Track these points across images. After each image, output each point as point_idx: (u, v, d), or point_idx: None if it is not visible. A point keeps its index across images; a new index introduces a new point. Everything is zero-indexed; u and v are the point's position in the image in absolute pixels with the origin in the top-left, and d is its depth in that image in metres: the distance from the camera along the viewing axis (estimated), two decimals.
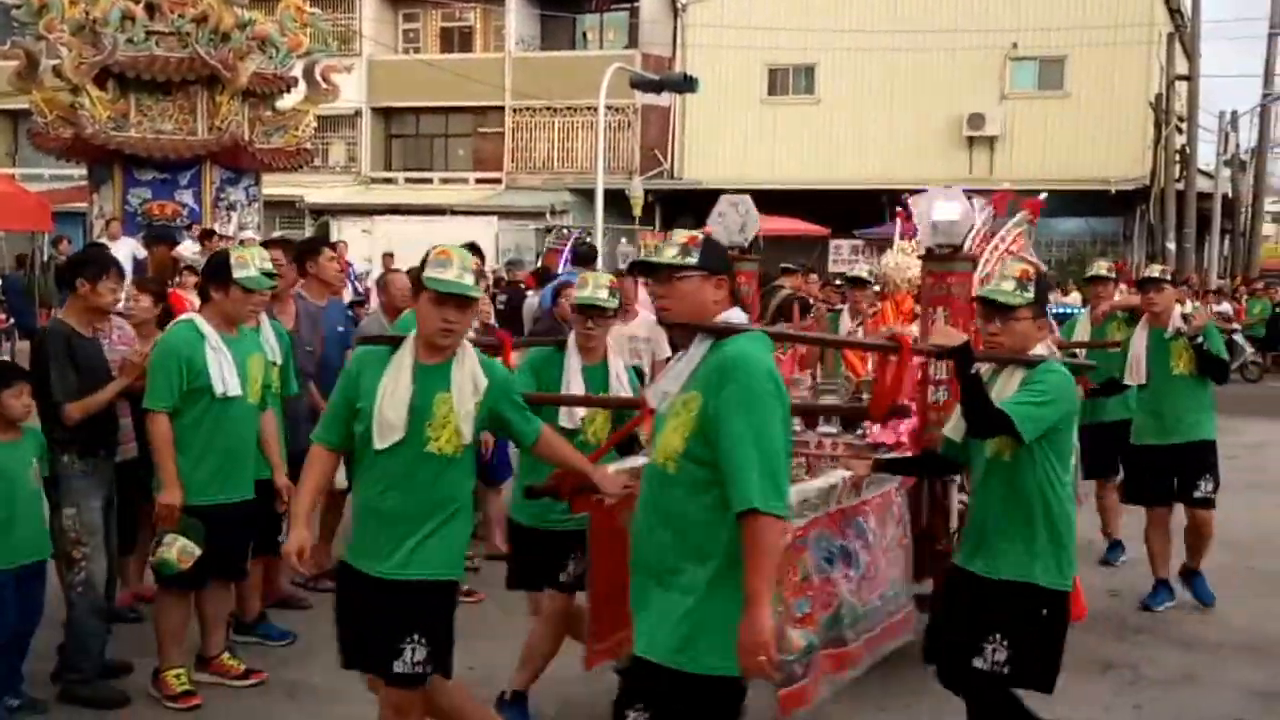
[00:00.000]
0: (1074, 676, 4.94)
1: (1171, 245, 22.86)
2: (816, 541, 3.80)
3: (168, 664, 4.50)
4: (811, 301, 10.01)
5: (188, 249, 11.50)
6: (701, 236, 2.96)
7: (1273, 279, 24.09)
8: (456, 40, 28.64)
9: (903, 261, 6.31)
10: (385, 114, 28.28)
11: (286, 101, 13.97)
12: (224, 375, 4.34)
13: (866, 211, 21.98)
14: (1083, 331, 6.79)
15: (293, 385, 5.22)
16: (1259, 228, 27.80)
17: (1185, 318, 6.00)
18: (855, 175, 23.78)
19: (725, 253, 3.09)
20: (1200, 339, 5.86)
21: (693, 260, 2.90)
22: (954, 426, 3.68)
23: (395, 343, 3.47)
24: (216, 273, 4.46)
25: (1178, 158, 23.60)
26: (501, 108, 27.06)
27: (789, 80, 25.76)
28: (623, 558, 3.09)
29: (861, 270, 7.95)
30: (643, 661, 2.84)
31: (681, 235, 2.96)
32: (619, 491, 3.65)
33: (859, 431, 4.75)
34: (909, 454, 4.50)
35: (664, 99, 25.08)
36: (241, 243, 8.43)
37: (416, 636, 3.31)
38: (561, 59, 27.03)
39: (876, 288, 7.27)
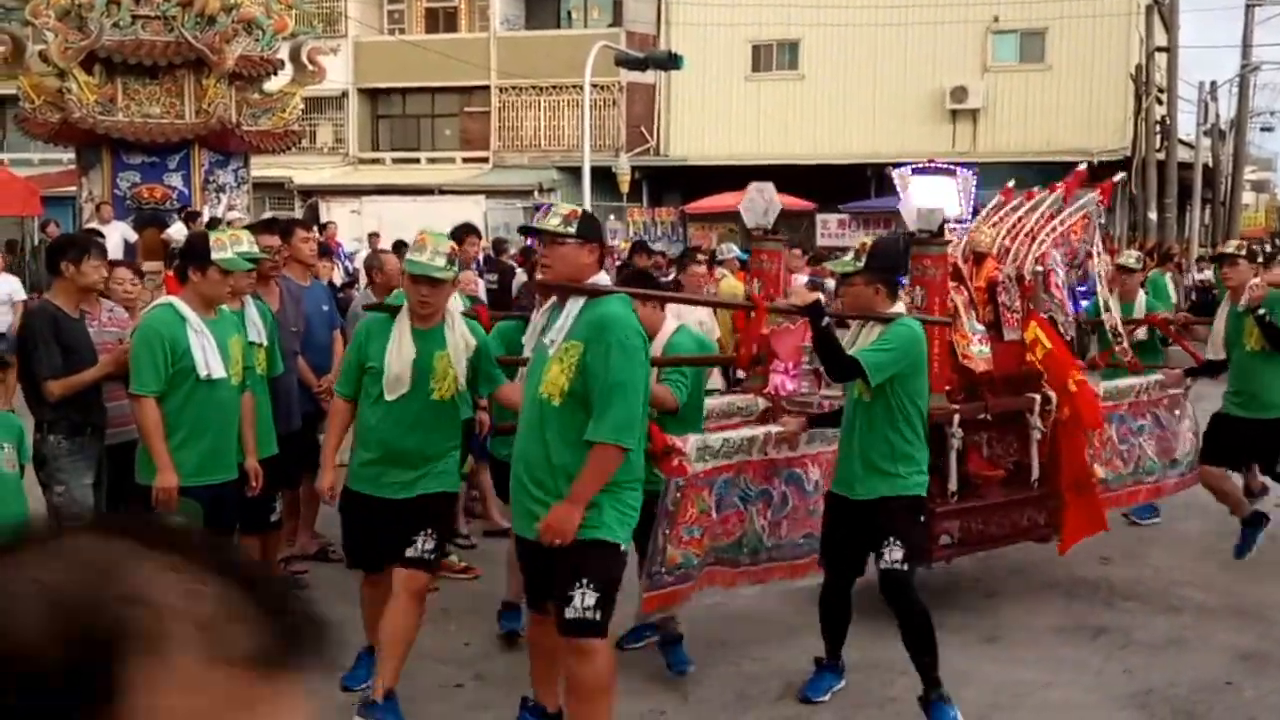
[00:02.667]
0: (1065, 642, 5.19)
1: (1153, 215, 23.06)
2: (726, 483, 4.59)
3: None
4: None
5: (178, 232, 11.61)
6: (580, 210, 3.71)
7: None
8: (441, 20, 28.61)
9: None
10: (372, 95, 28.29)
11: (273, 84, 13.99)
12: (207, 357, 4.34)
13: (852, 185, 22.14)
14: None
15: (279, 365, 5.26)
16: (1239, 197, 28.05)
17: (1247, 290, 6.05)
18: (840, 150, 23.91)
19: (599, 225, 3.90)
20: (1263, 311, 5.90)
21: (572, 230, 3.60)
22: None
23: (393, 311, 4.23)
24: (195, 255, 4.46)
25: (1158, 128, 23.75)
26: (487, 87, 27.10)
27: (773, 56, 25.84)
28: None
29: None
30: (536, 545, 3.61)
31: (564, 208, 3.73)
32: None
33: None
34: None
35: (649, 76, 25.15)
36: (229, 224, 8.57)
37: (429, 530, 4.10)
38: (546, 38, 27.05)
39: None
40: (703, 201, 23.51)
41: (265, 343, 5.07)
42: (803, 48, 25.32)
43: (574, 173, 22.68)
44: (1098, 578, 6.08)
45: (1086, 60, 23.53)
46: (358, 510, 4.24)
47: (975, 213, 21.94)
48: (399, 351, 4.08)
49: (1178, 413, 6.47)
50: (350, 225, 20.94)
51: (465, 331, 4.20)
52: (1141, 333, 7.20)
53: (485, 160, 27.18)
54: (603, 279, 3.75)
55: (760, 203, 5.59)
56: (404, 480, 4.13)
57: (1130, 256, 7.57)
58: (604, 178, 22.61)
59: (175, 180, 13.25)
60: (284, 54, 14.01)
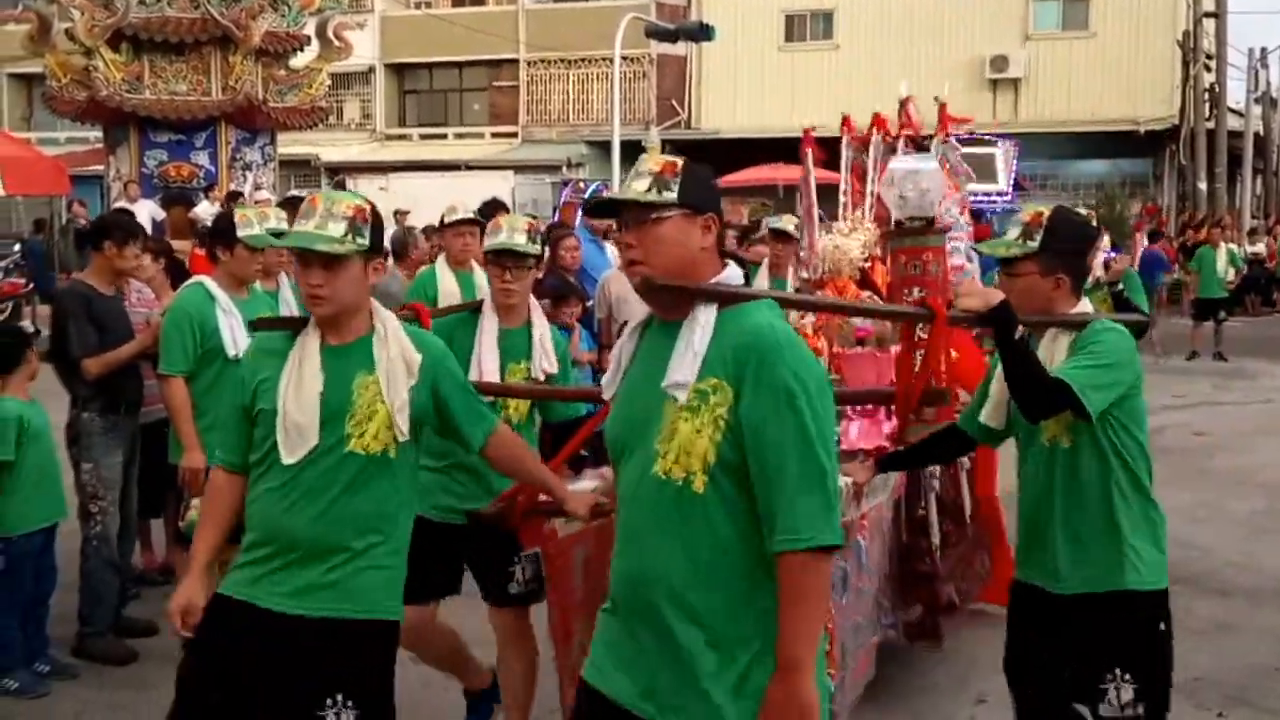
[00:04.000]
0: None
1: (1203, 185, 22.52)
2: None
3: None
4: None
5: (205, 210, 11.43)
6: (681, 162, 2.18)
7: None
8: None
9: (842, 243, 5.13)
10: (399, 70, 28.05)
11: (300, 60, 13.89)
12: (235, 337, 4.28)
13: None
14: None
15: None
16: None
17: (1106, 265, 5.55)
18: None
19: (713, 184, 2.28)
20: (1120, 286, 5.31)
21: (672, 195, 2.13)
22: (991, 411, 3.04)
23: (297, 326, 2.73)
24: (222, 233, 4.44)
25: (1207, 96, 23.16)
26: (516, 60, 26.78)
27: (806, 26, 25.36)
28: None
29: (784, 223, 6.34)
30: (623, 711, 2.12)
31: (654, 161, 2.17)
32: (586, 515, 2.98)
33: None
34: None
35: (680, 48, 24.74)
36: (257, 203, 8.35)
37: (341, 699, 2.56)
38: (575, 10, 26.67)
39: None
40: (735, 175, 23.10)
41: None
42: (837, 17, 24.84)
43: (604, 147, 22.35)
44: None
45: (1132, 27, 22.89)
46: (236, 631, 2.63)
47: (1017, 186, 21.12)
48: (298, 384, 2.61)
49: None
50: (377, 202, 20.64)
51: (405, 344, 2.69)
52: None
53: (514, 135, 26.89)
54: (733, 276, 2.21)
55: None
56: (295, 584, 2.61)
57: (789, 222, 6.03)
58: (634, 152, 22.21)
59: (202, 158, 13.14)
60: (310, 29, 13.91)
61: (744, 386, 2.04)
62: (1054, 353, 2.93)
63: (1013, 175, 17.97)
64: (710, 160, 4.12)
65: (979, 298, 2.95)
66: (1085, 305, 3.04)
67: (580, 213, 10.67)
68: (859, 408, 4.15)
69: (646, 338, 2.23)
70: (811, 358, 2.12)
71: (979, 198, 17.51)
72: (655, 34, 20.71)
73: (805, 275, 5.36)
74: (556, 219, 14.72)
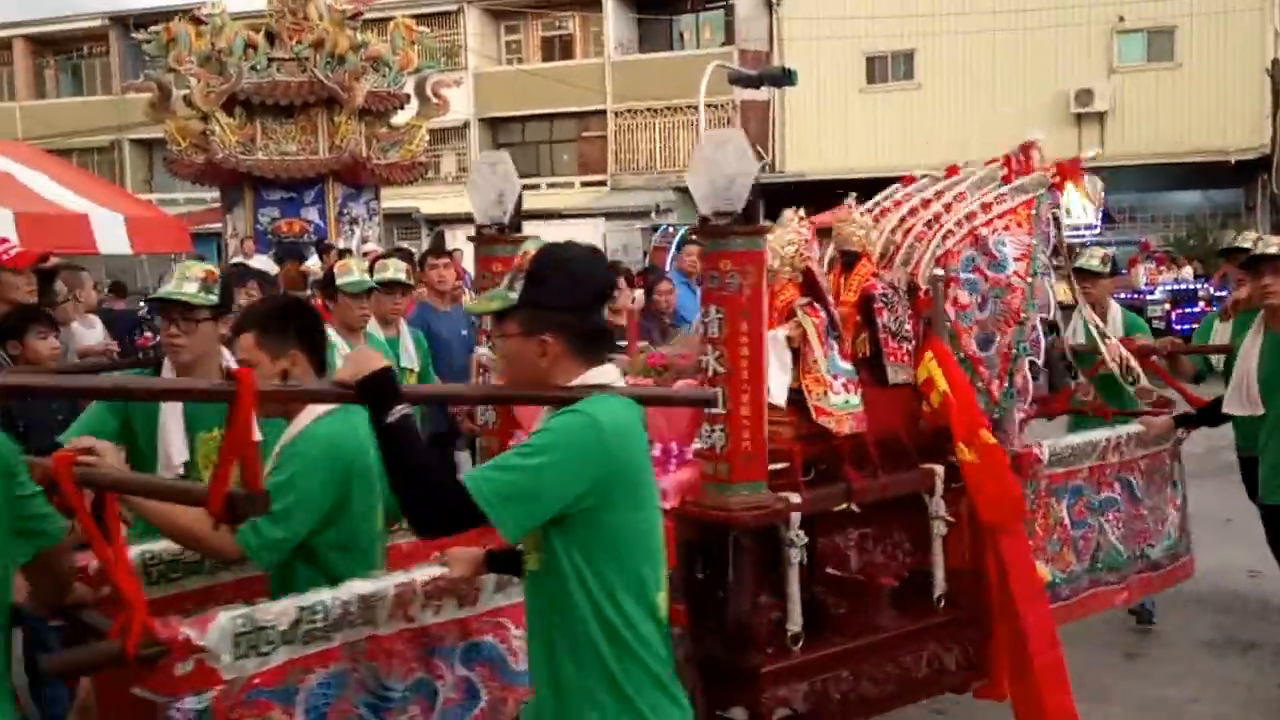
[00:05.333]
0: (1213, 657, 5.05)
1: None
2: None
3: None
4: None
5: (315, 264, 12.09)
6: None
7: None
8: (557, 48, 29.22)
9: (782, 234, 3.81)
10: (492, 124, 29.01)
11: (400, 118, 14.48)
12: None
13: None
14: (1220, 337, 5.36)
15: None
16: None
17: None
18: (959, 159, 23.36)
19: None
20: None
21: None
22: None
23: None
24: (326, 285, 4.78)
25: None
26: (604, 111, 27.51)
27: (888, 67, 25.61)
28: None
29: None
30: None
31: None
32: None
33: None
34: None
35: (763, 93, 25.16)
36: (365, 255, 8.91)
37: None
38: (660, 60, 27.34)
39: None
40: (821, 216, 23.34)
41: (417, 368, 5.36)
42: (918, 57, 25.02)
43: (690, 193, 22.78)
44: (1248, 591, 5.86)
45: (1218, 57, 22.67)
46: None
47: (1106, 218, 20.67)
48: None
49: (1159, 479, 4.58)
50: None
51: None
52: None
53: (603, 183, 27.57)
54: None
55: (493, 182, 3.63)
56: None
57: (1093, 257, 5.66)
58: None
59: (311, 214, 13.82)
60: (409, 88, 14.47)
61: None
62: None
63: (1101, 209, 17.95)
64: (797, 202, 4.13)
65: (352, 364, 2.19)
66: (603, 374, 2.28)
67: (670, 256, 11.05)
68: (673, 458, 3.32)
69: None
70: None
71: (1067, 231, 17.55)
72: (738, 81, 21.09)
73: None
74: (648, 264, 15.20)
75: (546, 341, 2.22)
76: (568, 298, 2.23)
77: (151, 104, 13.77)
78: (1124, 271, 16.11)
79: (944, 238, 3.88)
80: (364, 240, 13.32)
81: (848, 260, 3.80)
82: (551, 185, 28.15)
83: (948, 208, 3.99)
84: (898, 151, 24.48)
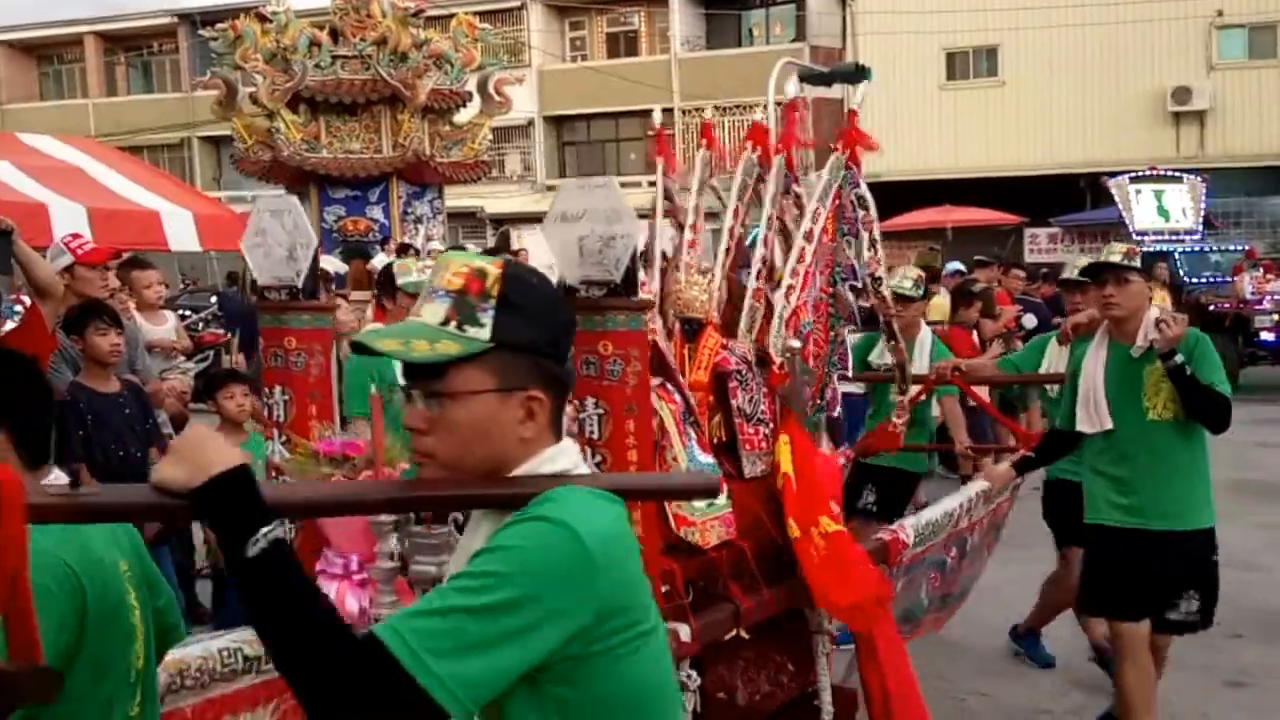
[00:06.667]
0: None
1: None
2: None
3: None
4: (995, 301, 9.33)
5: (380, 263, 11.73)
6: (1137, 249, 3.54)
7: None
8: (623, 45, 28.75)
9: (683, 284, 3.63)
10: (557, 122, 28.63)
11: (463, 116, 14.21)
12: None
13: (1062, 197, 20.86)
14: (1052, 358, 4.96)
15: None
16: None
17: (1158, 324, 3.72)
18: (1048, 159, 22.60)
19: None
20: (1181, 359, 3.69)
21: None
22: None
23: None
24: (385, 285, 4.84)
25: None
26: (670, 109, 26.97)
27: (969, 63, 24.74)
28: None
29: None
30: None
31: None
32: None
33: None
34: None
35: (836, 90, 24.44)
36: (429, 254, 8.51)
37: None
38: (728, 57, 26.74)
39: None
40: (899, 219, 22.59)
41: None
42: (1002, 53, 24.13)
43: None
44: None
45: None
46: None
47: (1207, 224, 19.67)
48: None
49: (991, 531, 4.47)
50: (541, 252, 21.03)
51: None
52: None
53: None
54: None
55: (281, 233, 2.76)
56: None
57: (906, 279, 5.32)
58: None
59: (376, 213, 13.57)
60: (472, 86, 14.24)
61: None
62: (466, 547, 1.55)
63: (1201, 213, 16.95)
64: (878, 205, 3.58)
65: (180, 456, 1.39)
66: (563, 453, 1.53)
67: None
68: (346, 564, 2.60)
69: None
70: None
71: (1165, 237, 16.61)
72: (808, 78, 20.40)
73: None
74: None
75: (535, 399, 1.47)
76: (548, 333, 1.50)
77: (218, 101, 13.61)
78: (1229, 279, 15.14)
79: (786, 294, 3.38)
80: (429, 239, 13.03)
81: (690, 329, 3.26)
82: (619, 184, 27.68)
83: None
84: (980, 151, 23.62)
